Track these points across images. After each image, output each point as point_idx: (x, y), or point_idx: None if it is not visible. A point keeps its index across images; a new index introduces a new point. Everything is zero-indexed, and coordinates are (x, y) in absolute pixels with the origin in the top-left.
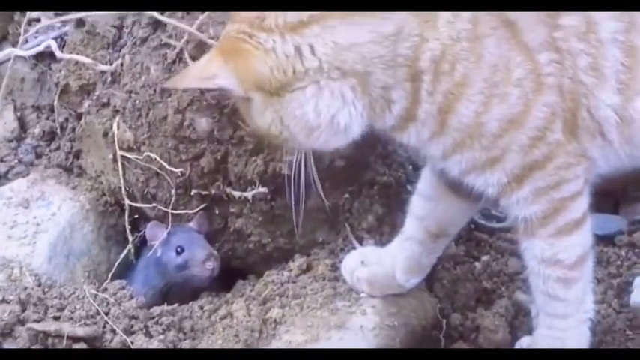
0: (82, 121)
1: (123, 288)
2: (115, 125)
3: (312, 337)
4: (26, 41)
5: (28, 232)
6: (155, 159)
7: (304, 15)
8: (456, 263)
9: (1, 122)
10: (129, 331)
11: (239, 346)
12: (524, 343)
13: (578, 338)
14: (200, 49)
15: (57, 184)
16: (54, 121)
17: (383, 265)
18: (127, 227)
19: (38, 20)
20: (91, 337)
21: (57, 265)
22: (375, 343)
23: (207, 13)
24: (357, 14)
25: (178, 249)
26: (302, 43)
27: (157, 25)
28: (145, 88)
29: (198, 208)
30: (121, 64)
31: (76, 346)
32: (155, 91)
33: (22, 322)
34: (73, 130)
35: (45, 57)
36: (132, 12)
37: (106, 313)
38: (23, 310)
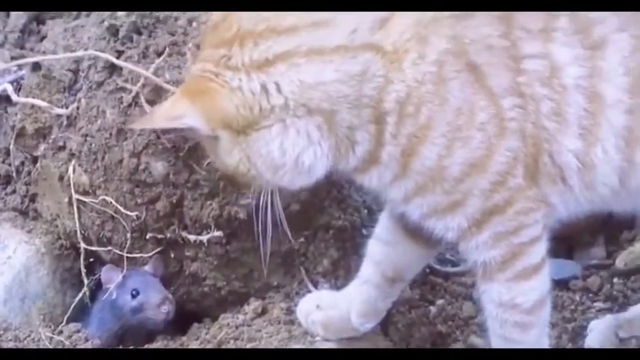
0: (38, 165)
1: (78, 331)
2: (70, 169)
3: None
4: None
5: None
6: (111, 202)
7: (269, 53)
8: (411, 307)
9: None
10: None
11: None
12: None
13: None
14: (156, 92)
15: (12, 227)
16: (10, 164)
17: (338, 309)
18: (83, 270)
19: None
20: None
21: (12, 309)
22: None
23: (162, 57)
24: (325, 52)
25: (133, 292)
26: (268, 80)
27: (112, 69)
28: (101, 131)
29: (154, 252)
30: (77, 108)
31: None
32: (111, 134)
33: None
34: (29, 173)
35: (1, 100)
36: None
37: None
38: None
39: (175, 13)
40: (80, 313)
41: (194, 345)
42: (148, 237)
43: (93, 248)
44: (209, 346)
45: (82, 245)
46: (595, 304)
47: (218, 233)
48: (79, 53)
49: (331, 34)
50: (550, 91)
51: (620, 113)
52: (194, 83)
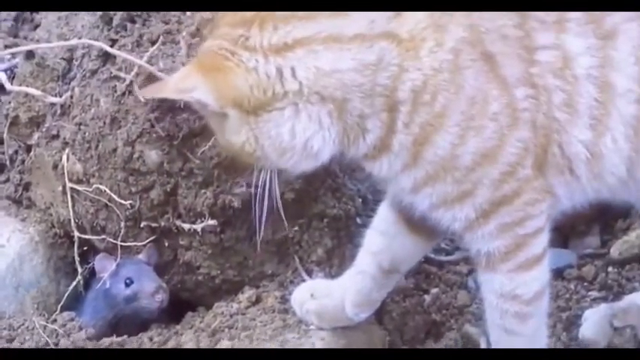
0: (32, 153)
1: (72, 319)
2: (64, 157)
3: None
4: None
5: None
6: (105, 191)
7: (289, 38)
8: (406, 296)
9: None
10: None
11: None
12: None
13: None
14: (150, 81)
15: (6, 215)
16: (3, 153)
17: (332, 298)
18: (77, 259)
19: None
20: None
21: (6, 297)
22: None
23: (156, 46)
24: (343, 40)
25: (127, 281)
26: (284, 65)
27: (106, 57)
28: (95, 120)
29: (148, 240)
30: (71, 97)
31: None
32: (105, 123)
33: None
34: (23, 162)
35: None
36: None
37: (56, 345)
38: None
39: None
40: (74, 302)
41: (188, 333)
42: (142, 225)
43: (87, 237)
44: (203, 335)
45: (76, 234)
46: (590, 293)
47: (212, 222)
48: (73, 42)
49: (351, 22)
50: (562, 82)
51: (629, 102)
52: (208, 59)
